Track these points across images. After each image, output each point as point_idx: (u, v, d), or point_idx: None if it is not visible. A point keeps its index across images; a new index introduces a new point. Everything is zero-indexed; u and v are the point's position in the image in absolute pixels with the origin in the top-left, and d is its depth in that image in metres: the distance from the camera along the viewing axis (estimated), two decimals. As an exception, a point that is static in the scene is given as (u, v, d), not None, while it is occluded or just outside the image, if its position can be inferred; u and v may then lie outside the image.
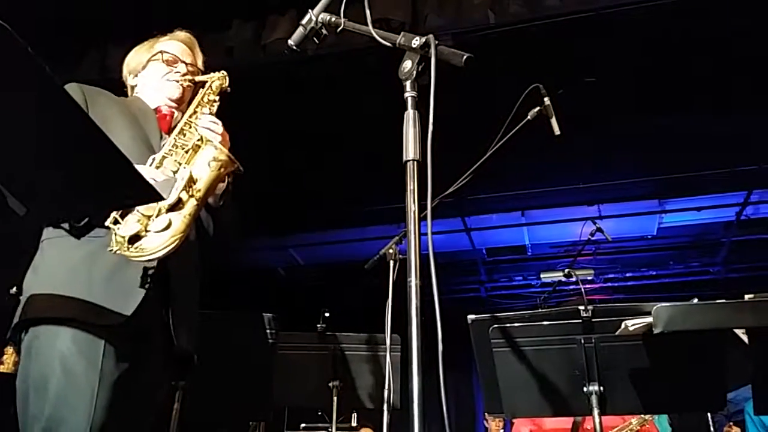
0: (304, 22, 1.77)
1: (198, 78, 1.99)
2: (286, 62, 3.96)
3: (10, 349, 3.68)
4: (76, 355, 1.55)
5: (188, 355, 1.80)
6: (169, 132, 1.90)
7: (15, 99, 1.14)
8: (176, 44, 2.06)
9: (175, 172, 1.70)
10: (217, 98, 1.95)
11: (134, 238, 1.57)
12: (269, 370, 2.88)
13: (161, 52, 2.01)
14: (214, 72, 2.00)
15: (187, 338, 1.78)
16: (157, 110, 1.97)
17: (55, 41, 4.03)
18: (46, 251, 1.71)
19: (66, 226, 1.68)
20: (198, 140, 1.76)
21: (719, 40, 4.29)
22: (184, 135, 1.81)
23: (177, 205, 1.63)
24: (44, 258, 1.70)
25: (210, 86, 1.95)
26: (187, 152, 1.75)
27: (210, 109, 1.91)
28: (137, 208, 1.60)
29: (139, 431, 1.74)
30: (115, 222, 1.58)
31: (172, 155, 1.75)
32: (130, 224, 1.57)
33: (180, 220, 1.61)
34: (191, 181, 1.66)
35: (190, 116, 1.86)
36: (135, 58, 2.07)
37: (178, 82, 1.97)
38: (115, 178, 1.36)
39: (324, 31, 1.74)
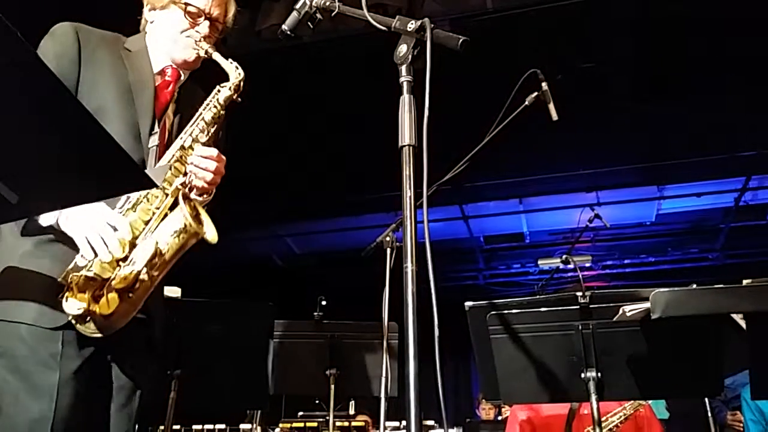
0: (298, 6, 1.74)
1: (216, 57, 1.80)
2: (282, 48, 3.94)
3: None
4: (30, 355, 1.49)
5: (159, 345, 1.74)
6: (164, 111, 1.77)
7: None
8: None
9: (146, 222, 1.59)
10: (223, 112, 1.78)
11: (81, 318, 1.50)
12: (266, 358, 2.88)
13: (186, 3, 1.79)
14: (233, 63, 1.82)
15: (159, 329, 1.74)
16: (162, 72, 1.81)
17: (41, 23, 3.98)
18: (7, 239, 1.61)
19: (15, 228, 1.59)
20: (182, 183, 1.66)
21: (718, 25, 4.26)
22: (171, 169, 1.67)
23: (133, 286, 1.53)
24: (3, 244, 1.62)
25: (217, 99, 1.78)
26: (167, 195, 1.64)
27: (209, 131, 1.74)
28: (94, 266, 1.50)
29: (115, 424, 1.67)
30: (65, 292, 1.49)
31: (148, 200, 1.62)
32: (78, 297, 1.47)
33: (127, 303, 1.53)
34: (153, 259, 1.55)
35: (183, 144, 1.70)
36: None
37: (196, 43, 1.79)
38: (106, 165, 1.34)
39: (318, 16, 1.72)
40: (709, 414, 3.54)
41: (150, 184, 1.41)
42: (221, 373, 2.73)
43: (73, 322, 1.50)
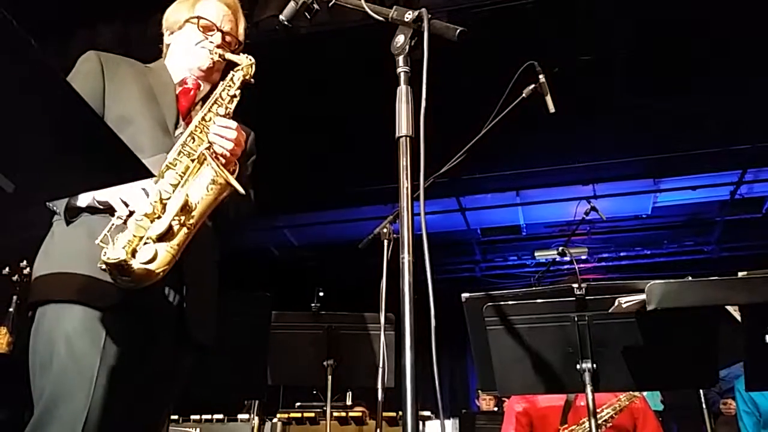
0: (295, -4, 1.74)
1: (228, 56, 1.88)
2: (279, 39, 3.93)
3: (3, 330, 3.68)
4: (81, 335, 1.55)
5: (204, 345, 1.77)
6: (188, 112, 1.85)
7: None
8: (218, 7, 1.95)
9: (174, 186, 1.61)
10: (237, 93, 1.83)
11: (118, 267, 1.50)
12: (264, 349, 2.89)
13: (199, 17, 1.91)
14: (243, 54, 1.88)
15: (203, 329, 1.75)
16: (182, 82, 1.90)
17: (43, 19, 3.96)
18: (56, 232, 1.70)
19: (60, 216, 1.65)
20: (206, 148, 1.69)
21: (716, 19, 4.26)
22: (194, 140, 1.71)
23: (167, 234, 1.55)
24: (53, 239, 1.70)
25: (231, 79, 1.83)
26: (192, 161, 1.67)
27: (227, 108, 1.80)
28: (129, 228, 1.53)
29: (147, 415, 1.71)
30: (106, 240, 1.51)
31: (176, 165, 1.67)
32: (117, 248, 1.49)
33: (166, 252, 1.54)
34: (185, 209, 1.58)
35: (204, 116, 1.76)
36: (174, 14, 1.97)
37: (210, 52, 1.87)
38: (103, 155, 1.34)
39: (315, 6, 1.72)
40: (704, 405, 3.57)
41: (147, 173, 1.42)
42: (219, 364, 2.73)
43: (110, 271, 1.49)
